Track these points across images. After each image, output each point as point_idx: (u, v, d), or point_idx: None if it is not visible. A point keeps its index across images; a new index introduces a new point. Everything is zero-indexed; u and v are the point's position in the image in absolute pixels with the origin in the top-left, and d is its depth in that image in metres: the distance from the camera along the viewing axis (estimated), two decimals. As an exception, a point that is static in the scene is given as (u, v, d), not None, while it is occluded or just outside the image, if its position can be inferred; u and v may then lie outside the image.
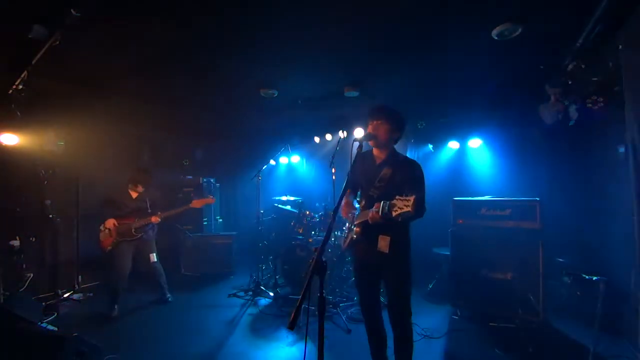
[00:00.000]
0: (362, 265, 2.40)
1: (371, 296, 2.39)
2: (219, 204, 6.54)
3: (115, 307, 3.91)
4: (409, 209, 1.82)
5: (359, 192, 2.52)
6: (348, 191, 2.56)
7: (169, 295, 4.32)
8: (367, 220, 2.12)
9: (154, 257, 4.16)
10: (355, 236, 2.35)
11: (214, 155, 7.04)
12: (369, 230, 2.22)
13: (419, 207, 1.90)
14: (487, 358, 3.00)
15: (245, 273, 5.28)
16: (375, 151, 2.37)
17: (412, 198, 1.82)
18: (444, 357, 3.03)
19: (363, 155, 2.31)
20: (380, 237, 2.20)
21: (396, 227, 2.21)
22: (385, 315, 2.36)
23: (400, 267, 2.25)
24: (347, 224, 2.61)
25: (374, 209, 2.02)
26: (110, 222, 3.92)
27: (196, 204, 4.14)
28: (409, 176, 2.20)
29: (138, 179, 4.10)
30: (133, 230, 3.95)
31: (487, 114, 4.70)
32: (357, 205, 2.50)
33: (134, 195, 4.12)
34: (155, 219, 4.01)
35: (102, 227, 3.95)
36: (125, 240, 3.95)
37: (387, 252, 2.17)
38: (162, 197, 4.38)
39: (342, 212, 2.55)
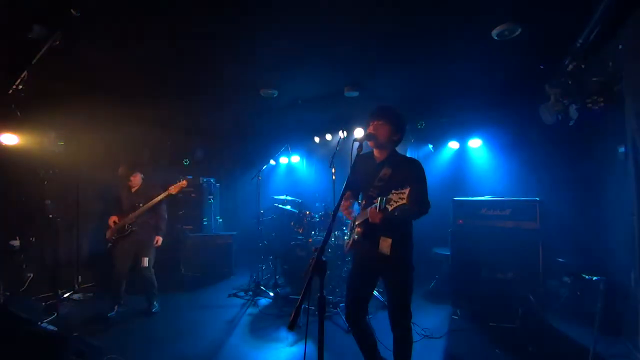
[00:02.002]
0: (361, 265, 2.38)
1: (360, 298, 2.35)
2: (219, 204, 6.54)
3: (115, 307, 3.90)
4: (404, 201, 1.79)
5: (360, 194, 2.52)
6: (348, 193, 2.55)
7: (154, 310, 4.01)
8: (367, 219, 2.12)
9: (146, 261, 3.90)
10: (356, 237, 2.34)
11: (214, 155, 7.03)
12: (371, 231, 2.21)
13: (416, 198, 1.88)
14: (487, 358, 3.00)
15: (245, 273, 5.28)
16: (375, 152, 2.37)
17: (406, 190, 1.80)
18: (444, 357, 3.03)
19: (363, 156, 2.31)
20: (382, 238, 2.18)
21: (398, 229, 2.20)
22: (384, 315, 2.35)
23: (402, 269, 2.23)
24: (349, 225, 2.60)
25: (373, 206, 2.01)
26: (111, 220, 3.94)
27: (173, 189, 3.92)
28: (409, 175, 2.18)
29: (126, 169, 3.98)
30: (126, 225, 3.87)
31: (487, 114, 4.70)
32: (356, 207, 2.49)
33: (133, 189, 4.04)
34: (151, 204, 3.85)
35: (109, 222, 3.97)
36: (123, 238, 3.88)
37: (389, 253, 2.16)
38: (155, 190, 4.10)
39: (343, 212, 2.54)
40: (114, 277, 3.93)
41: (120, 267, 3.89)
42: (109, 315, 3.82)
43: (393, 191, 1.86)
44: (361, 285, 2.35)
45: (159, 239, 4.03)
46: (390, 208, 1.86)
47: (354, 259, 2.51)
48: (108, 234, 3.95)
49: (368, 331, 2.35)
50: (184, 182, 4.00)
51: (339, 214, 2.64)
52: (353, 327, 2.36)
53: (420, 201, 2.08)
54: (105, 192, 4.20)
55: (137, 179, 4.04)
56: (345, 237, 2.60)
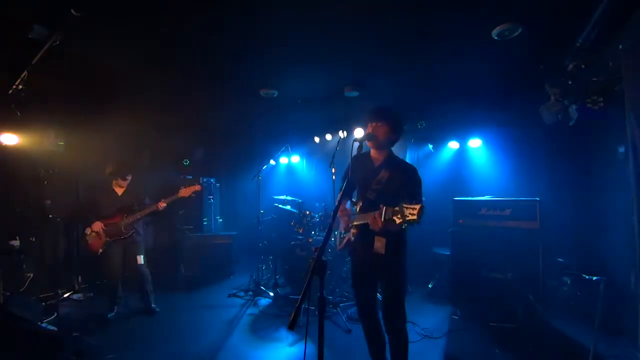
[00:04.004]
0: (359, 266, 2.41)
1: (368, 297, 2.38)
2: (219, 204, 6.54)
3: (115, 308, 3.90)
4: (414, 217, 1.76)
5: (354, 193, 2.53)
6: (344, 202, 2.57)
7: (154, 305, 3.99)
8: (366, 223, 2.12)
9: (140, 259, 3.88)
10: (352, 238, 2.35)
11: (214, 155, 7.03)
12: (366, 232, 2.22)
13: (423, 214, 1.86)
14: (487, 358, 3.00)
15: (245, 273, 5.28)
16: (373, 152, 2.38)
17: (418, 207, 1.76)
18: (444, 357, 3.03)
19: (361, 157, 2.32)
20: (377, 238, 2.19)
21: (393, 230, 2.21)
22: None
23: (396, 268, 2.25)
24: (342, 224, 2.60)
25: (376, 213, 1.98)
26: (98, 225, 3.76)
27: (184, 192, 3.86)
28: (407, 180, 2.20)
29: (124, 170, 3.88)
30: (123, 228, 3.80)
31: (487, 114, 4.70)
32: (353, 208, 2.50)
33: (120, 191, 3.94)
34: (162, 205, 3.78)
35: (87, 231, 3.78)
36: (116, 241, 3.82)
37: (384, 253, 2.17)
38: (144, 191, 4.07)
39: (340, 219, 2.54)
40: (109, 279, 3.91)
41: (114, 268, 3.84)
42: (108, 316, 3.81)
43: (403, 205, 1.82)
44: (365, 285, 2.38)
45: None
46: (397, 221, 1.83)
47: (352, 260, 2.52)
48: (97, 242, 3.76)
49: (379, 330, 2.37)
50: (197, 187, 3.88)
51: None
52: (365, 324, 2.39)
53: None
54: (85, 195, 4.17)
55: (125, 182, 3.95)
56: (340, 234, 2.60)
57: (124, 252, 3.91)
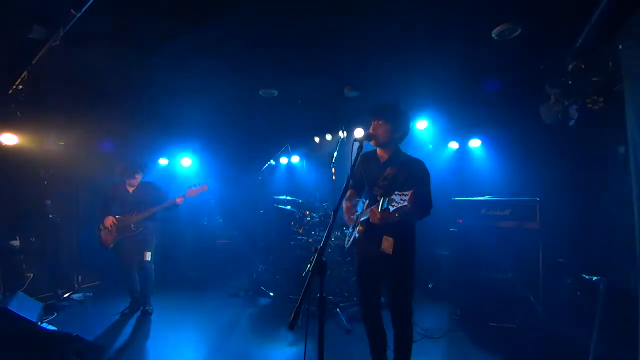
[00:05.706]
0: (365, 265, 2.38)
1: (372, 297, 2.37)
2: (219, 204, 6.54)
3: (130, 301, 3.95)
4: (406, 203, 1.78)
5: (364, 193, 2.52)
6: (349, 193, 2.55)
7: (150, 306, 3.99)
8: (369, 218, 2.12)
9: (148, 255, 3.93)
10: (357, 235, 2.34)
11: (214, 155, 7.03)
12: (373, 230, 2.21)
13: (418, 201, 1.85)
14: (487, 358, 3.00)
15: (245, 273, 5.28)
16: (378, 151, 2.37)
17: (409, 192, 1.79)
18: (444, 357, 3.03)
19: (367, 155, 2.31)
20: (384, 237, 2.18)
21: (401, 229, 2.20)
22: (385, 314, 2.35)
23: (403, 269, 2.23)
24: (352, 220, 2.59)
25: (374, 205, 2.01)
26: (109, 220, 3.85)
27: (192, 193, 3.96)
28: (413, 174, 2.19)
29: (131, 169, 3.93)
30: (132, 225, 3.85)
31: (487, 114, 4.70)
32: (360, 206, 2.49)
33: (130, 189, 3.99)
34: (180, 200, 3.89)
35: (101, 226, 3.87)
36: (126, 238, 3.86)
37: (391, 253, 2.15)
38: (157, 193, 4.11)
39: (345, 215, 2.54)
40: (125, 272, 3.92)
41: (129, 261, 3.88)
42: (122, 311, 3.87)
43: (396, 192, 1.85)
44: (370, 284, 2.36)
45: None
46: (392, 209, 1.85)
47: (357, 258, 2.49)
48: (108, 237, 3.85)
49: (381, 330, 2.37)
50: (205, 187, 3.99)
51: (340, 214, 2.64)
52: (367, 324, 2.38)
53: (422, 203, 2.05)
54: (103, 191, 4.17)
55: (139, 179, 4.00)
56: (347, 232, 2.59)
57: (138, 248, 3.93)
